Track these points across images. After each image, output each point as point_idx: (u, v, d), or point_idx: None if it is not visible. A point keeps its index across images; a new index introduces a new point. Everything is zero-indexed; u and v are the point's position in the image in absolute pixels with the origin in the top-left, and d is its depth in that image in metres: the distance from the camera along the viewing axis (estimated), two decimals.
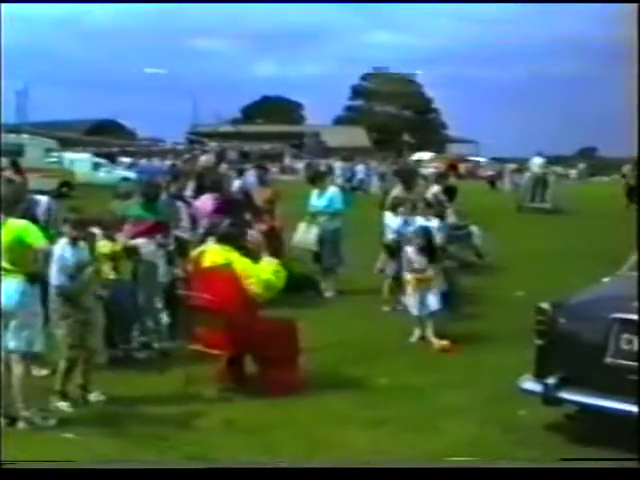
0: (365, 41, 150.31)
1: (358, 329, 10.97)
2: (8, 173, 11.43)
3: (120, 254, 9.37)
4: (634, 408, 6.22)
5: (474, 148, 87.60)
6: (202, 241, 9.73)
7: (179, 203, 11.20)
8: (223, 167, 16.59)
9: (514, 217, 27.13)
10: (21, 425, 7.11)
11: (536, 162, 31.05)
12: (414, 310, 10.40)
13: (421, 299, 10.31)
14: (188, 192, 12.55)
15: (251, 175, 15.08)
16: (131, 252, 9.54)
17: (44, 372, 8.12)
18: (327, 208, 13.38)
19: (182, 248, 10.35)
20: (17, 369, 7.17)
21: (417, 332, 10.47)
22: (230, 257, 8.50)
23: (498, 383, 8.13)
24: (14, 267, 7.08)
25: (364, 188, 41.04)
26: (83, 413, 7.57)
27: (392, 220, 11.94)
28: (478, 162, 72.36)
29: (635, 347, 6.54)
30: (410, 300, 10.46)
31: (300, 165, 59.68)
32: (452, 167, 37.58)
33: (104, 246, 9.18)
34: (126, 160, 55.83)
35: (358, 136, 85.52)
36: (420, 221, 10.96)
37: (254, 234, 10.68)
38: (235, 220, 9.79)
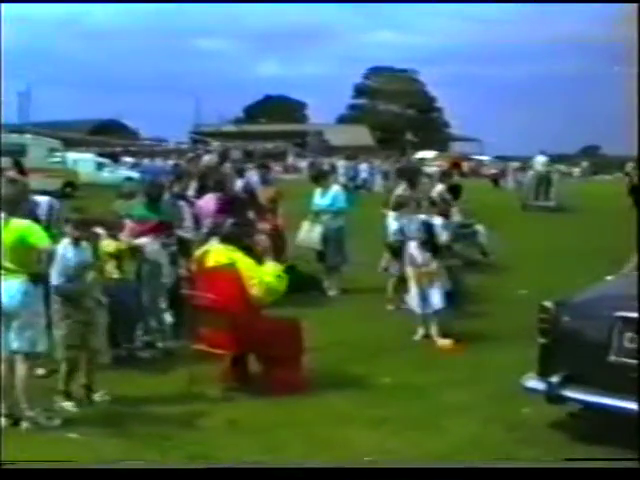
0: (367, 40, 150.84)
1: (362, 328, 10.97)
2: (11, 173, 11.43)
3: (125, 253, 9.38)
4: (637, 406, 6.21)
5: (477, 146, 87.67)
6: (205, 241, 9.73)
7: (182, 203, 11.20)
8: (226, 167, 16.56)
9: (518, 215, 27.15)
10: (25, 425, 7.11)
11: (539, 160, 31.10)
12: (417, 308, 10.39)
13: (424, 296, 10.30)
14: (191, 192, 12.54)
15: (253, 175, 15.08)
16: (135, 251, 9.55)
17: (40, 372, 8.09)
18: (330, 207, 13.38)
19: (185, 248, 10.36)
20: (20, 369, 7.17)
21: (421, 331, 10.46)
22: (234, 257, 8.50)
23: (502, 381, 8.13)
24: (17, 267, 7.08)
25: (367, 187, 41.06)
26: (88, 413, 7.56)
27: (395, 219, 11.93)
28: (481, 160, 72.37)
29: (638, 345, 6.53)
30: (413, 297, 10.45)
31: (303, 164, 59.69)
32: (455, 165, 37.68)
33: (108, 245, 9.18)
34: (129, 160, 55.94)
35: (361, 135, 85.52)
36: (422, 218, 10.92)
37: (263, 238, 10.70)
38: (238, 220, 9.79)
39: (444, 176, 15.09)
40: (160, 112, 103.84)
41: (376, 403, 7.96)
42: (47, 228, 7.78)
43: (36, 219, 7.93)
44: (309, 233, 13.40)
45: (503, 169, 54.77)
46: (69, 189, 34.17)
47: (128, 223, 9.88)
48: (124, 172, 41.73)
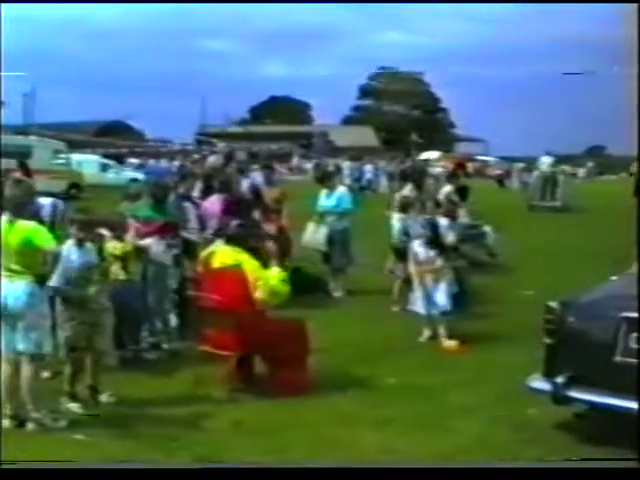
0: (372, 41, 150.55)
1: (367, 329, 10.96)
2: (17, 175, 11.45)
3: (130, 254, 9.38)
4: None
5: (482, 147, 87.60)
6: (210, 242, 9.73)
7: (187, 204, 11.21)
8: (231, 167, 16.56)
9: (525, 215, 27.14)
10: (30, 426, 7.12)
11: (545, 161, 31.10)
12: (421, 309, 10.37)
13: (429, 297, 10.27)
14: (196, 193, 12.54)
15: (257, 175, 15.08)
16: (141, 252, 9.55)
17: (46, 374, 8.09)
18: (336, 208, 13.38)
19: (190, 249, 10.36)
20: (26, 370, 7.18)
21: (426, 332, 10.44)
22: (239, 258, 8.50)
23: (507, 382, 8.12)
24: (23, 269, 7.09)
25: (372, 188, 41.07)
26: (93, 414, 7.56)
27: (400, 220, 11.92)
28: (486, 161, 72.32)
29: None
30: (417, 299, 10.43)
31: (308, 165, 59.72)
32: (460, 166, 37.54)
33: (115, 248, 9.18)
34: (134, 161, 55.99)
35: (366, 136, 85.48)
36: (427, 217, 10.89)
37: (270, 245, 10.72)
38: (244, 221, 9.79)
39: (452, 177, 15.09)
40: (165, 113, 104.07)
41: (382, 404, 7.96)
42: (51, 229, 7.78)
43: (40, 221, 7.92)
44: (314, 234, 13.40)
45: (508, 170, 54.78)
46: (74, 190, 34.20)
47: (133, 224, 9.88)
48: (129, 173, 41.75)
